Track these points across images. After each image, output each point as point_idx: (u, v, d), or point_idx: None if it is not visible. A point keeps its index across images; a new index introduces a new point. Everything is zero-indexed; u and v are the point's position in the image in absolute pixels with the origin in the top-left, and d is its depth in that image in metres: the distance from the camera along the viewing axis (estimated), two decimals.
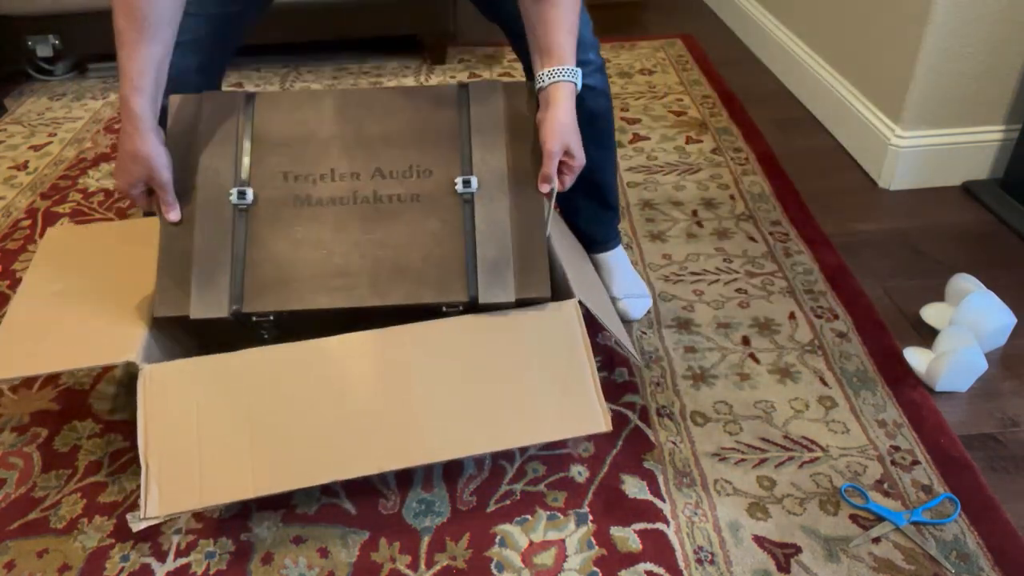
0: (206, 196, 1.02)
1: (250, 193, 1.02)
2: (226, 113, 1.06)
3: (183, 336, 1.03)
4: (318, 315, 1.00)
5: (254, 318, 1.00)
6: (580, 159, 1.02)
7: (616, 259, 1.35)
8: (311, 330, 1.00)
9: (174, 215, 1.02)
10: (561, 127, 0.98)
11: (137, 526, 0.98)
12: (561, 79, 0.99)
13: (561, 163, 1.01)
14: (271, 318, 1.00)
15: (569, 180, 1.04)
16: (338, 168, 1.04)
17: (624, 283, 1.34)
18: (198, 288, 0.99)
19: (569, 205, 1.29)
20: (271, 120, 1.06)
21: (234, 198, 1.02)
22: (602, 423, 0.97)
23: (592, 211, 1.30)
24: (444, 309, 1.02)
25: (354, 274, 1.00)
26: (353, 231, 1.02)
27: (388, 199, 1.03)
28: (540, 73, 1.00)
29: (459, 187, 1.04)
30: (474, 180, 1.04)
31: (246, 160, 1.04)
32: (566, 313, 1.02)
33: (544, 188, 1.02)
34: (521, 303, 1.02)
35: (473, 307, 1.01)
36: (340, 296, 1.00)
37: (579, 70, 1.01)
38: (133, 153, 0.96)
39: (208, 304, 0.98)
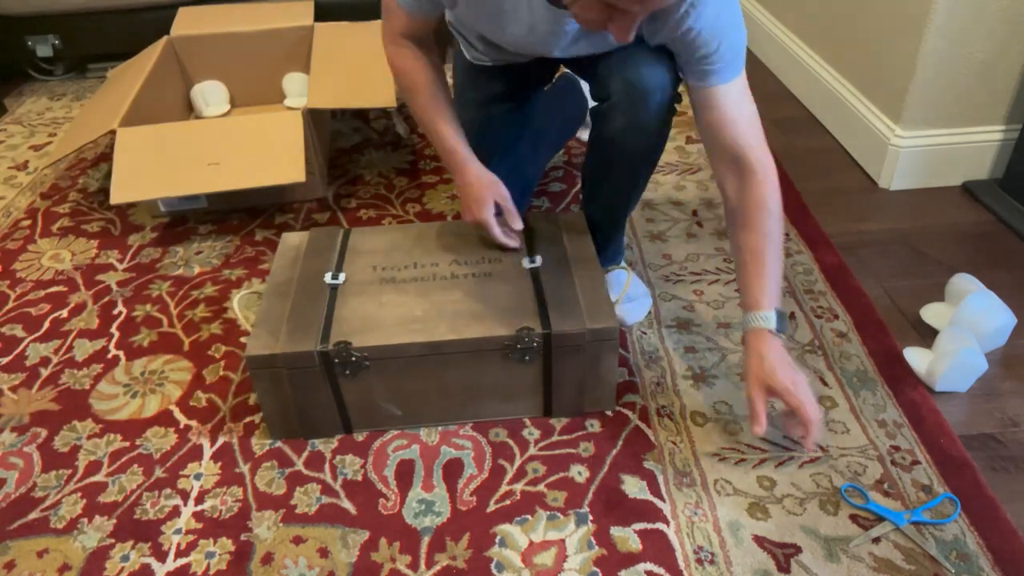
0: (304, 281, 1.17)
1: (343, 276, 1.18)
2: (327, 237, 1.27)
3: (274, 393, 1.11)
4: (397, 354, 1.07)
5: (336, 359, 1.05)
6: (799, 403, 0.99)
7: (613, 275, 1.34)
8: (390, 379, 1.09)
9: (519, 223, 1.19)
10: (757, 371, 1.02)
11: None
12: (758, 325, 1.04)
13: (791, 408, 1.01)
14: (353, 357, 1.05)
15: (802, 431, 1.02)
16: (420, 261, 1.21)
17: (618, 289, 1.33)
18: (288, 333, 1.07)
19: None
20: (363, 240, 1.26)
21: (328, 279, 1.17)
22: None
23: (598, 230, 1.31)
24: (519, 346, 1.06)
25: (433, 320, 1.09)
26: (433, 296, 1.14)
27: (463, 276, 1.17)
28: (745, 315, 1.06)
29: (526, 263, 1.18)
30: (539, 258, 1.19)
31: (340, 259, 1.22)
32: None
33: (755, 431, 1.01)
34: (594, 334, 1.07)
35: (547, 343, 1.07)
36: (419, 334, 1.07)
37: (775, 315, 1.04)
38: (478, 181, 1.16)
39: (296, 342, 1.05)
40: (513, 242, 1.20)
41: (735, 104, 1.03)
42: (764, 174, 1.04)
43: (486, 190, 1.17)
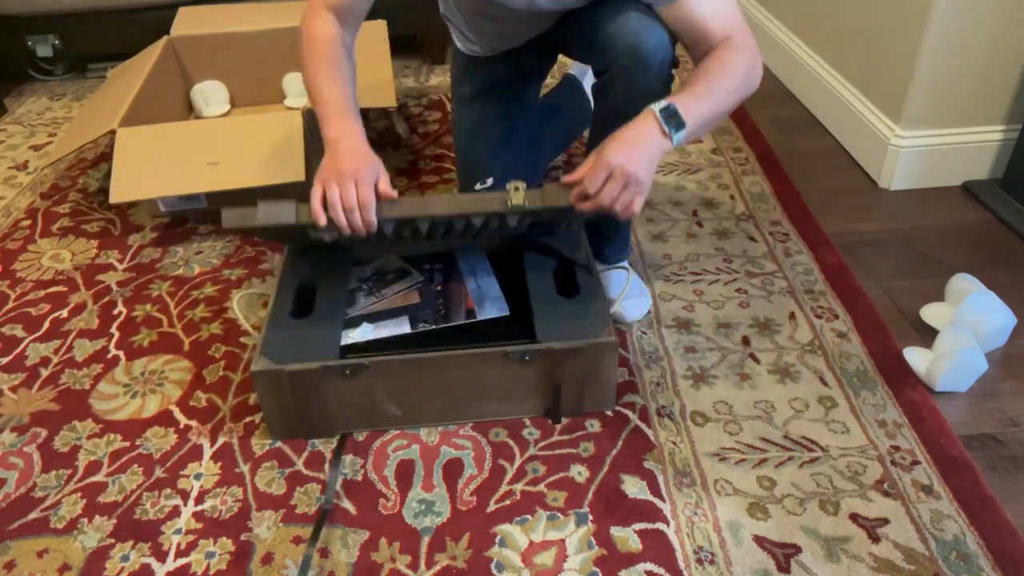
0: None
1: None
2: None
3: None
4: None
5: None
6: (582, 178, 0.99)
7: (614, 275, 1.34)
8: (390, 379, 1.09)
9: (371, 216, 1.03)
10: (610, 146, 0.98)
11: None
12: (648, 108, 0.99)
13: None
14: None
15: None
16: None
17: (618, 288, 1.33)
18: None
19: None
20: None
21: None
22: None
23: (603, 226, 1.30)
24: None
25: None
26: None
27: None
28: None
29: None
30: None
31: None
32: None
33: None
34: None
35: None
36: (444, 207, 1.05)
37: (666, 104, 0.99)
38: (352, 153, 1.02)
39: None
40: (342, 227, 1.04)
41: (711, 9, 1.04)
42: (742, 48, 1.04)
43: (362, 163, 1.03)
